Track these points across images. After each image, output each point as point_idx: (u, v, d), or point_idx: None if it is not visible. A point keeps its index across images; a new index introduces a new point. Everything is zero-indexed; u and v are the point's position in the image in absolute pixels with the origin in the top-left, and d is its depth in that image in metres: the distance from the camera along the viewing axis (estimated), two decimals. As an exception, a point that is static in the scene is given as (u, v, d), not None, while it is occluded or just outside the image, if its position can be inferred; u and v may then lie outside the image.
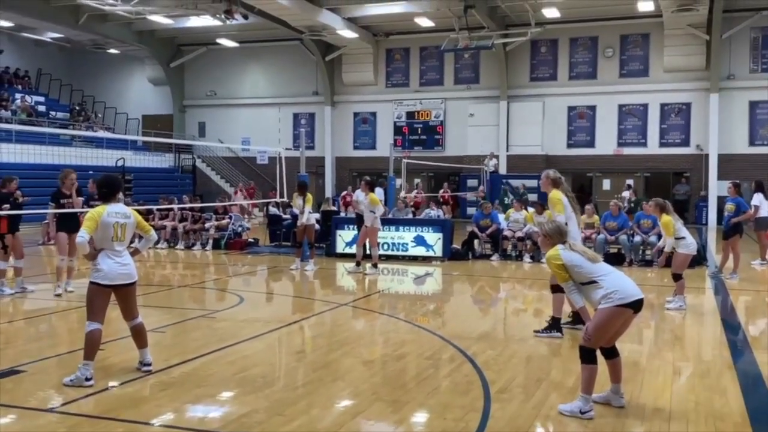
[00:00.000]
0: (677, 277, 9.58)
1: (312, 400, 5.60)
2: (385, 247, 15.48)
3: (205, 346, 7.32)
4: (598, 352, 5.26)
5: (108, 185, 6.24)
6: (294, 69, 33.06)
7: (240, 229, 18.33)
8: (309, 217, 14.02)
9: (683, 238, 9.56)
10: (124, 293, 6.12)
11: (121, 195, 6.39)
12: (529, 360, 6.98)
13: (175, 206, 18.18)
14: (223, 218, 18.15)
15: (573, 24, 28.50)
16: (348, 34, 28.98)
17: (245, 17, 25.38)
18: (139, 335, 6.28)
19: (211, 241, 17.63)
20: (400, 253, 15.41)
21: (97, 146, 28.89)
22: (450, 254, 15.27)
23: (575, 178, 29.83)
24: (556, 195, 7.93)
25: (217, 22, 26.67)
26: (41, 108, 31.66)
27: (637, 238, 14.91)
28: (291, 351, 7.76)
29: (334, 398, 5.74)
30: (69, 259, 10.47)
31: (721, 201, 13.66)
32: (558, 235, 5.48)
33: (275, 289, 12.56)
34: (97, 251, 6.01)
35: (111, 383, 5.97)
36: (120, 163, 29.06)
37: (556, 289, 7.62)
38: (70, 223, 10.44)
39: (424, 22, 28.40)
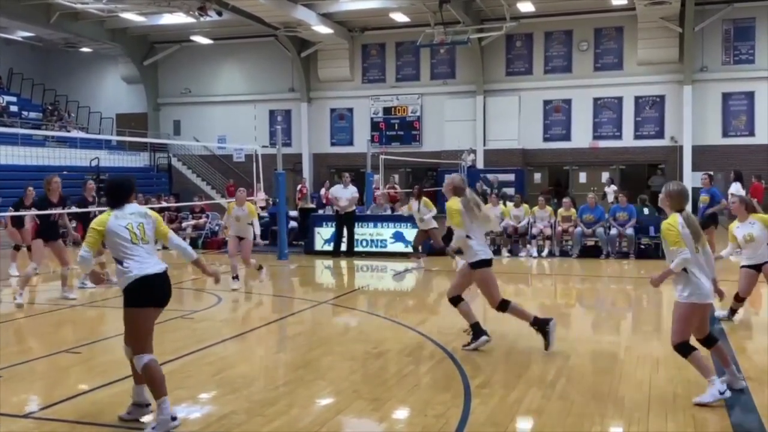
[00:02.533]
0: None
1: (292, 400, 5.58)
2: (364, 243, 15.48)
3: (184, 347, 7.26)
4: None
5: (114, 190, 5.21)
6: (269, 66, 32.88)
7: (217, 227, 18.21)
8: (429, 220, 13.62)
9: None
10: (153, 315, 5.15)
11: (132, 199, 5.35)
12: (509, 355, 7.00)
13: (150, 207, 18.01)
14: (200, 217, 18.03)
15: (548, 18, 28.62)
16: (323, 29, 28.88)
17: (219, 14, 25.18)
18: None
19: (188, 240, 17.48)
20: (379, 249, 15.41)
21: (71, 146, 28.54)
22: (429, 250, 15.28)
23: (552, 171, 30.06)
24: (453, 204, 7.14)
25: (190, 19, 26.39)
26: (13, 108, 31.19)
27: (614, 231, 15.03)
28: (271, 350, 7.72)
29: (314, 397, 5.72)
30: (65, 268, 10.30)
31: (696, 192, 13.78)
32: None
33: (254, 288, 12.49)
34: (103, 276, 5.47)
35: (86, 387, 5.90)
36: (95, 163, 28.72)
37: (455, 301, 7.27)
38: (50, 231, 10.29)
39: (400, 18, 28.38)
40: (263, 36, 30.93)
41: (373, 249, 15.43)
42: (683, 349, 5.43)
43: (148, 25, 29.96)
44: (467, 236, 7.09)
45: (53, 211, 10.27)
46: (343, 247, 15.40)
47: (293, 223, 17.40)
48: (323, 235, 15.87)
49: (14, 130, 25.75)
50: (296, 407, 5.41)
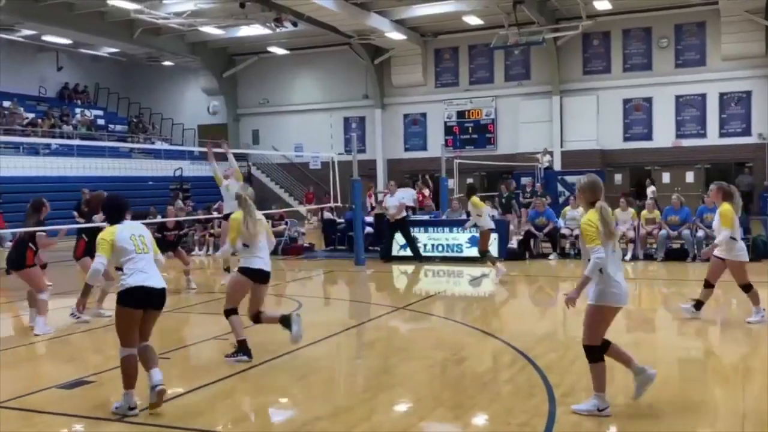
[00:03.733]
0: (747, 288, 8.24)
1: (374, 406, 5.60)
2: (440, 248, 15.44)
3: (268, 352, 7.39)
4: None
5: (113, 207, 5.73)
6: (343, 73, 33.25)
7: (296, 234, 18.52)
8: (486, 221, 12.91)
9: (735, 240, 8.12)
10: (152, 315, 5.62)
11: (128, 215, 5.85)
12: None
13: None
14: (280, 224, 18.36)
15: (625, 15, 27.91)
16: (396, 36, 29.01)
17: (295, 24, 25.62)
18: (148, 356, 5.64)
19: (271, 246, 17.83)
20: (455, 254, 15.32)
21: (155, 157, 29.60)
22: (506, 254, 15.11)
23: (633, 171, 29.23)
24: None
25: (267, 31, 27.00)
26: (100, 122, 32.61)
27: (700, 233, 14.49)
28: (350, 356, 7.79)
29: (395, 403, 5.73)
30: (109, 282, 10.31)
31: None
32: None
33: (332, 294, 12.64)
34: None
35: (182, 390, 6.08)
36: (178, 173, 29.72)
37: (229, 313, 7.04)
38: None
39: (473, 21, 28.21)
40: (337, 44, 31.31)
41: (449, 254, 15.35)
42: (593, 354, 5.18)
43: (227, 38, 30.77)
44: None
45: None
46: (393, 252, 15.37)
47: (369, 229, 17.51)
48: (399, 240, 15.90)
49: (102, 143, 26.97)
50: (378, 413, 5.43)
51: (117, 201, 5.78)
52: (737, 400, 5.50)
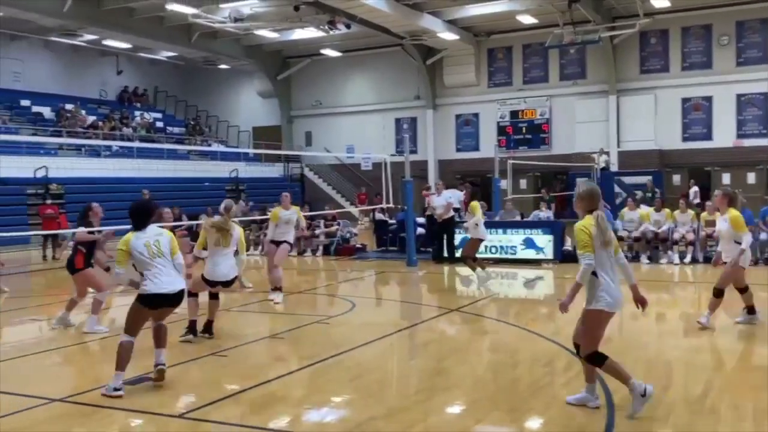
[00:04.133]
0: (718, 293, 8.15)
1: (428, 408, 5.60)
2: (493, 250, 15.32)
3: (322, 352, 7.46)
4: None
5: (138, 214, 6.18)
6: (395, 75, 33.30)
7: (348, 235, 18.63)
8: (481, 230, 12.54)
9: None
10: (169, 311, 6.27)
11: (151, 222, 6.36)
12: (652, 367, 6.70)
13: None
14: (332, 225, 18.50)
15: (684, 13, 27.23)
16: (449, 36, 28.92)
17: (348, 27, 25.79)
18: (160, 336, 6.34)
19: (321, 248, 18.02)
20: (509, 256, 15.20)
21: (212, 159, 30.18)
22: (562, 256, 14.91)
23: (692, 172, 28.51)
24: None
25: (321, 33, 27.24)
26: (159, 124, 33.38)
27: (763, 236, 14.05)
28: (404, 357, 7.80)
29: (450, 406, 5.72)
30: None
31: None
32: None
33: (384, 294, 12.67)
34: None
35: (238, 387, 6.18)
36: (234, 175, 30.23)
37: (190, 294, 7.87)
38: None
39: (527, 20, 27.92)
40: (389, 46, 31.38)
41: (503, 255, 15.23)
42: (597, 359, 5.21)
43: (281, 41, 31.16)
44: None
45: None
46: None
47: (420, 230, 17.49)
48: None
49: (160, 146, 27.60)
50: (433, 415, 5.43)
51: (139, 209, 6.22)
52: (805, 409, 5.32)
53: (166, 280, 5.99)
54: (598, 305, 5.17)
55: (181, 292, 6.15)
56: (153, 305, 6.05)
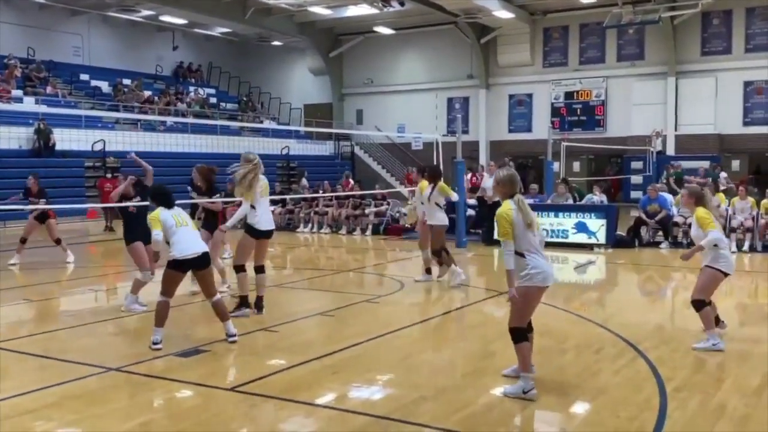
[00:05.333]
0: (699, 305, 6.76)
1: (479, 390, 5.59)
2: (544, 234, 15.13)
3: (371, 331, 7.50)
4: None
5: (166, 196, 7.12)
6: (448, 53, 32.99)
7: (397, 214, 18.64)
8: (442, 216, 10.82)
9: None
10: (201, 274, 6.99)
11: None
12: (707, 358, 6.56)
13: (334, 194, 18.80)
14: (381, 204, 18.52)
15: (750, -9, 26.33)
16: (504, 14, 28.49)
17: (401, 4, 25.66)
18: (219, 311, 7.03)
19: (370, 227, 18.08)
20: (560, 240, 15.01)
21: (263, 136, 30.44)
22: (614, 241, 14.67)
23: (753, 158, 27.68)
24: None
25: (374, 10, 27.16)
26: (213, 100, 33.80)
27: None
28: (452, 339, 7.80)
29: (497, 389, 5.69)
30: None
31: None
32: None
33: (433, 275, 12.64)
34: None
35: (285, 363, 6.28)
36: (285, 152, 30.47)
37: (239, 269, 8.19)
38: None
39: (585, -2, 27.33)
40: (443, 24, 31.10)
41: (554, 239, 15.05)
42: (516, 335, 5.39)
43: (334, 18, 31.13)
44: None
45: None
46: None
47: (470, 211, 17.39)
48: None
49: (214, 122, 27.94)
50: (483, 397, 5.43)
51: (163, 190, 7.24)
52: None
53: (188, 246, 6.81)
54: (531, 282, 5.31)
55: (205, 254, 6.92)
56: (181, 268, 6.86)
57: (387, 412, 5.10)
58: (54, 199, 15.37)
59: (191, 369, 6.14)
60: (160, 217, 6.89)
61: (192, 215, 9.79)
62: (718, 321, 7.00)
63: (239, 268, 8.18)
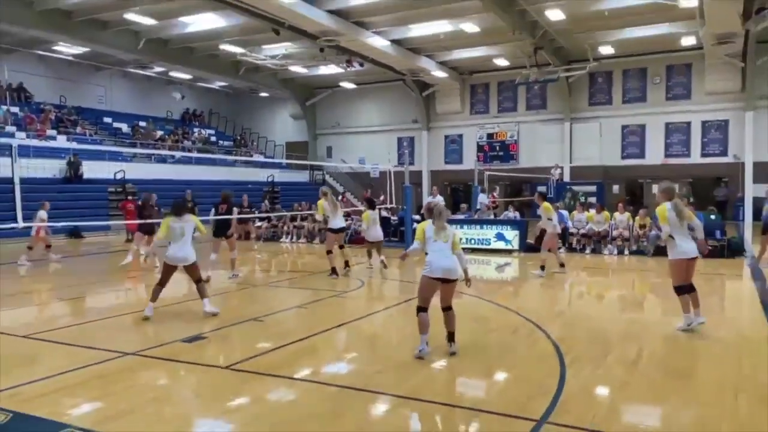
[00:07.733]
0: (680, 290, 6.64)
1: (423, 364, 5.57)
2: (472, 242, 15.28)
3: (338, 319, 7.44)
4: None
5: (178, 207, 7.54)
6: (398, 103, 33.18)
7: (359, 227, 18.55)
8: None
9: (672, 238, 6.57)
10: (189, 269, 7.43)
11: (187, 213, 7.54)
12: (596, 337, 6.67)
13: (304, 212, 18.65)
14: (346, 220, 18.43)
15: (625, 58, 27.09)
16: (440, 74, 28.82)
17: (361, 65, 25.75)
18: (200, 291, 7.54)
19: (337, 237, 17.94)
20: (484, 246, 15.16)
21: (254, 167, 30.11)
22: (525, 248, 14.88)
23: (628, 184, 28.43)
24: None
25: (340, 70, 27.18)
26: (213, 138, 33.31)
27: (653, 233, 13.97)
28: (404, 325, 7.75)
29: (440, 363, 5.67)
30: (231, 253, 10.84)
31: (758, 201, 12.56)
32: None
33: (389, 275, 12.62)
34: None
35: (270, 345, 6.17)
36: (270, 179, 30.16)
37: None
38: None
39: (501, 62, 27.84)
40: (394, 80, 31.26)
41: (479, 246, 15.20)
42: (418, 310, 5.79)
43: (309, 75, 31.04)
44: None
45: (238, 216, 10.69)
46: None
47: (416, 225, 17.47)
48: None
49: (214, 156, 27.54)
50: (426, 370, 5.41)
51: (179, 204, 7.60)
52: (719, 369, 5.29)
53: (180, 254, 7.27)
54: (424, 272, 5.73)
55: (185, 260, 7.32)
56: (172, 266, 7.38)
57: (351, 383, 5.06)
58: (82, 218, 14.89)
59: (194, 352, 6.00)
60: (169, 224, 7.33)
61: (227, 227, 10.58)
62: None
63: (329, 252, 10.67)
